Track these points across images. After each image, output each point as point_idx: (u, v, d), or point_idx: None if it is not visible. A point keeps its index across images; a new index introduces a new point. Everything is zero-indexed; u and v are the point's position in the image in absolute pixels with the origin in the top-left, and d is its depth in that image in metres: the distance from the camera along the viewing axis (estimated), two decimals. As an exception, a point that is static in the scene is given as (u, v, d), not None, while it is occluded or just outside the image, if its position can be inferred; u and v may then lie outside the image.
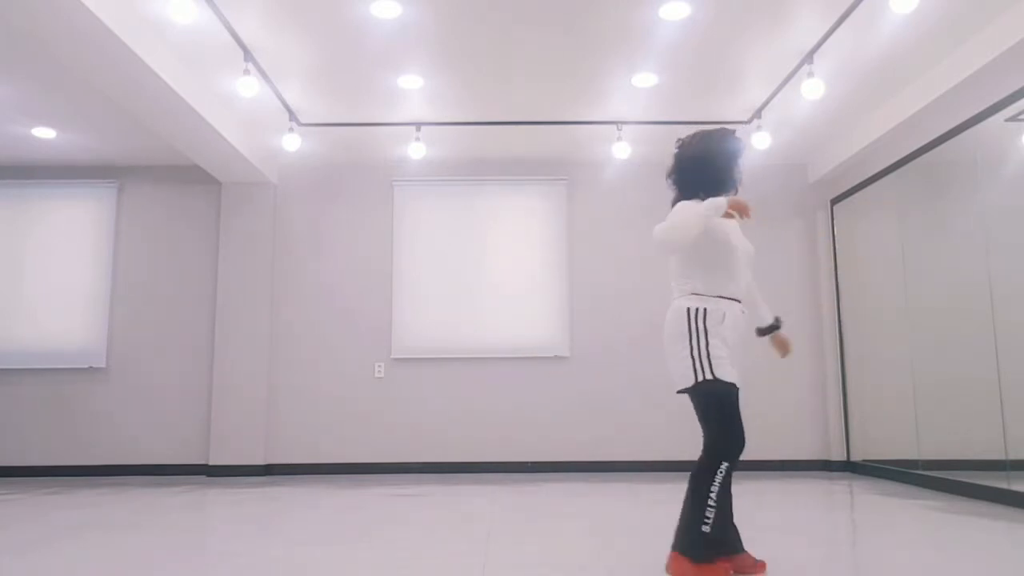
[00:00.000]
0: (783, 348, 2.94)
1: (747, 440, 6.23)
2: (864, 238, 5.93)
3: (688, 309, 2.58)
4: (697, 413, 2.58)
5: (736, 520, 3.73)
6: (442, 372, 6.36)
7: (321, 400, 6.33)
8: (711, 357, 2.52)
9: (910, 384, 5.23)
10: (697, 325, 2.55)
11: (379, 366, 6.36)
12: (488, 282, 6.45)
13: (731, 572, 2.53)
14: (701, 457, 2.54)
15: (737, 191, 2.75)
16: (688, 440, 6.26)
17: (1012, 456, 4.22)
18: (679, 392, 2.59)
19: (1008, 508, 4.14)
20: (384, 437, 6.28)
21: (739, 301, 2.66)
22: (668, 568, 2.53)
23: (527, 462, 6.26)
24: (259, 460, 6.16)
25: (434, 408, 6.32)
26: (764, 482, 5.45)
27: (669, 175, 2.81)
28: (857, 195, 6.03)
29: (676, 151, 2.81)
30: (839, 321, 6.33)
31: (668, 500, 4.53)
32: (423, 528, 3.63)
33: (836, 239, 6.41)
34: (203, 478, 6.05)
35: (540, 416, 6.31)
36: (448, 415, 6.31)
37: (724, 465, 2.50)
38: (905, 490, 4.95)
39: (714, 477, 2.49)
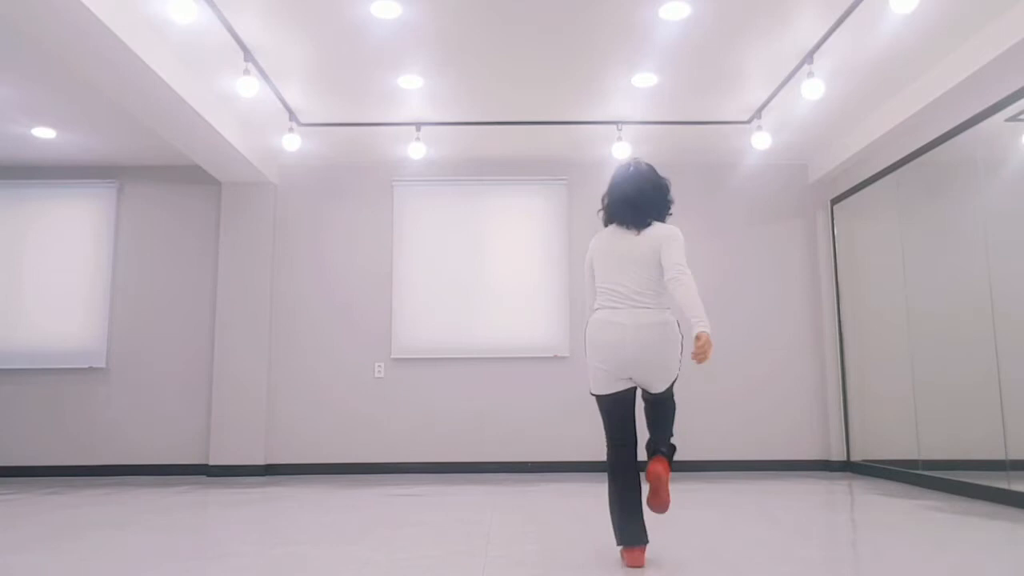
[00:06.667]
0: None
1: (747, 440, 6.28)
2: (864, 238, 5.93)
3: (677, 322, 2.90)
4: (661, 411, 2.96)
5: (737, 520, 3.77)
6: (442, 372, 6.36)
7: (321, 400, 6.33)
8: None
9: (910, 384, 5.23)
10: (681, 337, 2.90)
11: (379, 366, 6.36)
12: (488, 282, 6.45)
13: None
14: (667, 446, 2.95)
15: (616, 215, 3.00)
16: (688, 439, 6.26)
17: (1012, 456, 4.23)
18: (656, 392, 2.90)
19: (1008, 508, 4.14)
20: (384, 437, 6.28)
21: None
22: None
23: (527, 462, 6.26)
24: (259, 460, 6.16)
25: (434, 408, 6.32)
26: (764, 482, 5.45)
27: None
28: (857, 195, 6.03)
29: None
30: (839, 321, 6.33)
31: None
32: (423, 528, 3.63)
33: (836, 239, 6.41)
34: (203, 478, 6.05)
35: (540, 416, 6.31)
36: (448, 415, 6.31)
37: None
38: (905, 490, 4.95)
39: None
